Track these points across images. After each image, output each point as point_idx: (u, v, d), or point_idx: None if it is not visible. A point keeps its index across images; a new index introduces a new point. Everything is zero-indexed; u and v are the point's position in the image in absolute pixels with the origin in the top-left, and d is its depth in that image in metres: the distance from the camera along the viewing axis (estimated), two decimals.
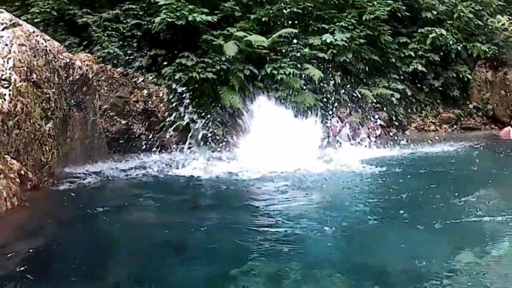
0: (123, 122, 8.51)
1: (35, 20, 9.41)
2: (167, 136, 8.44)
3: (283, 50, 10.76)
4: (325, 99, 10.06)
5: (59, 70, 6.05)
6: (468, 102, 12.87)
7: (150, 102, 8.84)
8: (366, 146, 8.99)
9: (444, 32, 12.21)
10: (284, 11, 11.13)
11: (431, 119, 12.44)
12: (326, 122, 9.30)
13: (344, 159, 7.06)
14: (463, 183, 5.85)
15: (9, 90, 4.91)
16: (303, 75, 10.35)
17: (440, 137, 10.55)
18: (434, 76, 12.61)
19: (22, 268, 3.04)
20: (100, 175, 6.06)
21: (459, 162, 7.52)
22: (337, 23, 11.44)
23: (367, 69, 11.60)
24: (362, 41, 11.36)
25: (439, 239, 3.72)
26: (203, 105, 9.61)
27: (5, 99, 4.81)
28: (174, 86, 9.10)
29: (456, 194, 4.82)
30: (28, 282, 2.87)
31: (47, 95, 5.59)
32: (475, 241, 3.60)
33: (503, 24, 12.81)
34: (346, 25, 11.43)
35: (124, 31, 10.07)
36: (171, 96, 9.00)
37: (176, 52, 9.88)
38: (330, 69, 10.75)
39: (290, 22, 10.99)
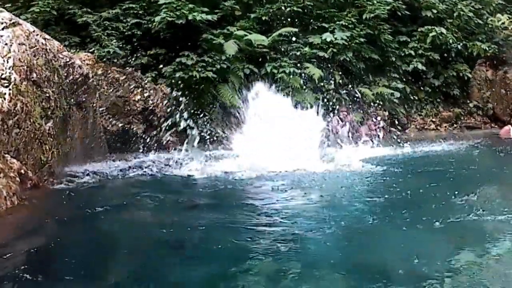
0: (123, 121, 8.51)
1: (35, 20, 9.40)
2: (166, 136, 8.43)
3: (283, 49, 10.77)
4: (325, 98, 10.05)
5: (59, 69, 6.06)
6: (468, 101, 12.86)
7: (150, 101, 8.84)
8: (366, 145, 8.98)
9: (444, 31, 12.20)
10: (284, 10, 11.14)
11: (431, 118, 12.42)
12: (326, 122, 9.27)
13: (344, 159, 7.05)
14: (463, 182, 5.85)
15: (9, 89, 4.91)
16: (303, 74, 10.35)
17: (440, 136, 10.54)
18: (434, 75, 12.59)
19: (22, 267, 3.05)
20: (99, 175, 6.09)
21: (459, 161, 7.52)
22: (337, 22, 11.43)
23: (367, 68, 11.60)
24: (362, 40, 11.36)
25: (439, 238, 3.71)
26: (203, 104, 9.61)
27: (5, 98, 4.82)
28: (174, 85, 9.10)
29: (456, 193, 4.81)
30: (27, 282, 2.87)
31: (47, 94, 5.59)
32: (475, 240, 3.59)
33: (503, 23, 12.81)
34: (346, 24, 11.42)
35: (124, 30, 10.06)
36: (171, 95, 8.99)
37: (176, 51, 9.87)
38: (330, 68, 10.75)
39: (290, 21, 11.01)
